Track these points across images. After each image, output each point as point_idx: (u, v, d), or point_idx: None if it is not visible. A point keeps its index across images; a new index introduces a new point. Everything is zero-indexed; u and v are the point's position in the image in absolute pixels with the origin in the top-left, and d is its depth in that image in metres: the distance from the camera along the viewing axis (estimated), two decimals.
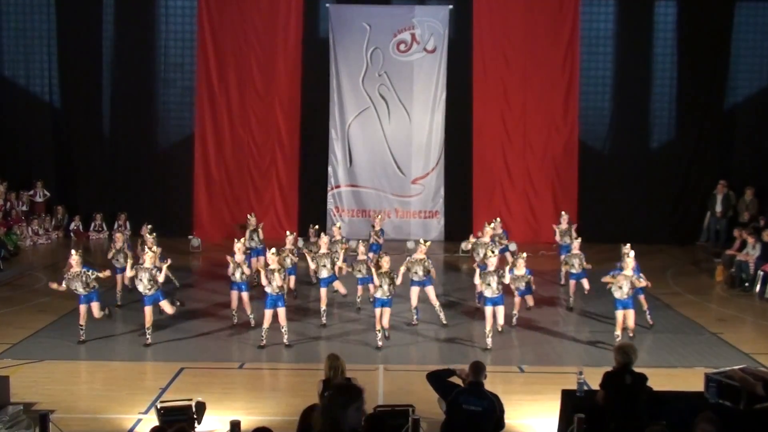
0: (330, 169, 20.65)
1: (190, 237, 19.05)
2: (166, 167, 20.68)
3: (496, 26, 20.01)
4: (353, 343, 11.79)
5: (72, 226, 20.38)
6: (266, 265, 11.77)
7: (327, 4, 20.26)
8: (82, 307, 11.54)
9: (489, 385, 7.57)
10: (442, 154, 20.49)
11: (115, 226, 20.21)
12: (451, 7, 20.25)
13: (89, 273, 11.50)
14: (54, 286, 11.61)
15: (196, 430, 7.84)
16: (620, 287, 11.43)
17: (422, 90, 20.35)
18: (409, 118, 20.46)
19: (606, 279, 11.73)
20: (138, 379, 10.18)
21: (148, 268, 11.52)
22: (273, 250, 11.84)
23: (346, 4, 20.38)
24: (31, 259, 18.21)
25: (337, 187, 20.69)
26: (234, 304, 12.44)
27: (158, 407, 7.99)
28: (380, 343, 11.49)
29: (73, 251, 11.64)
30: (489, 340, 11.46)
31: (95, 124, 20.76)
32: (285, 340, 11.52)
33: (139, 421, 8.77)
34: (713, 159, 20.44)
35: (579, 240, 13.95)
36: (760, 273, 15.23)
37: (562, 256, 14.21)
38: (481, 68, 20.10)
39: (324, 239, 12.89)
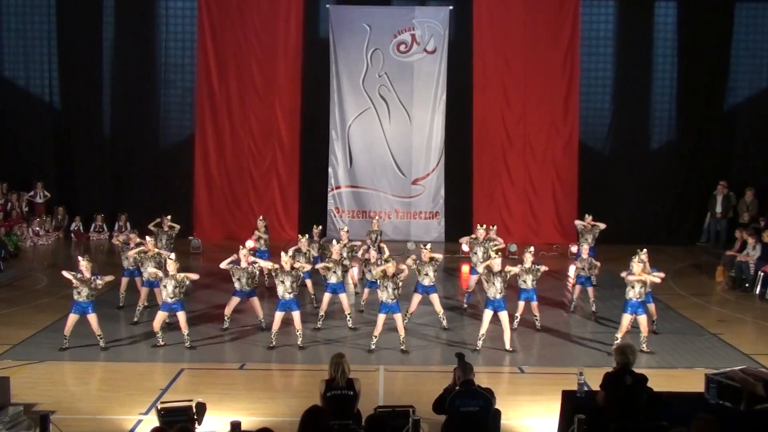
0: (330, 169, 20.65)
1: (190, 238, 19.03)
2: (167, 168, 20.68)
3: (496, 27, 20.02)
4: (354, 344, 11.78)
5: (72, 226, 20.38)
6: (280, 267, 11.57)
7: (327, 5, 20.26)
8: (73, 317, 11.14)
9: (491, 385, 7.60)
10: (442, 154, 20.49)
11: (116, 227, 20.25)
12: (451, 7, 20.25)
13: (97, 280, 11.24)
14: (66, 274, 11.27)
15: (196, 430, 7.84)
16: (632, 287, 11.23)
17: (422, 91, 20.35)
18: (410, 119, 20.46)
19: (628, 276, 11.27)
20: (138, 380, 10.16)
21: (173, 275, 11.29)
22: (290, 251, 11.80)
23: (346, 5, 20.38)
24: (32, 259, 18.20)
25: (338, 187, 20.69)
26: (229, 309, 12.28)
27: (158, 408, 7.98)
28: (373, 347, 11.40)
29: (81, 259, 11.30)
30: (480, 343, 11.44)
31: (95, 124, 20.77)
32: (299, 342, 11.51)
33: (139, 421, 8.76)
34: (713, 159, 20.44)
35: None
36: (761, 274, 15.23)
37: (577, 264, 13.69)
38: (481, 69, 20.10)
39: (336, 246, 12.79)
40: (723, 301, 15.01)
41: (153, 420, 8.24)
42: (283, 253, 11.78)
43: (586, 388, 8.01)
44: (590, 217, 15.73)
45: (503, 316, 11.42)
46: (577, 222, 16.14)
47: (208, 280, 15.84)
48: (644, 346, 11.35)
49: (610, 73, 20.73)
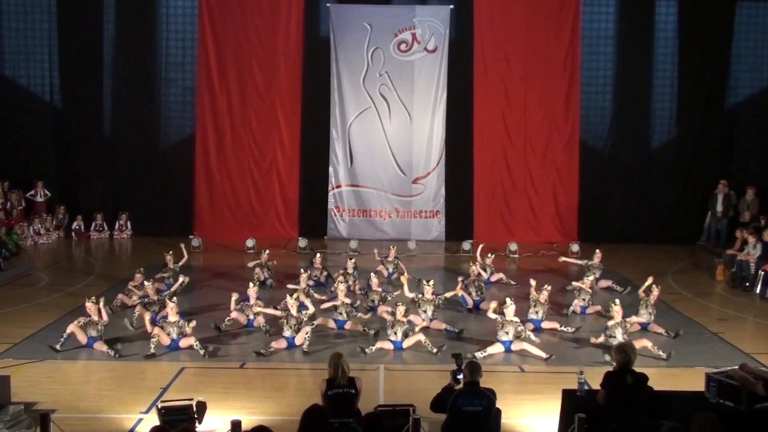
0: (331, 168, 20.64)
1: (190, 237, 19.02)
2: (167, 167, 20.68)
3: (497, 26, 20.02)
4: (354, 342, 11.76)
5: (73, 225, 20.38)
6: (287, 312, 11.59)
7: (328, 4, 20.25)
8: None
9: (492, 385, 7.60)
10: (443, 153, 20.48)
11: (116, 225, 20.28)
12: (452, 6, 20.25)
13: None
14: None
15: (197, 429, 7.85)
16: (615, 337, 11.26)
17: (423, 90, 20.34)
18: (410, 118, 20.45)
19: (597, 340, 11.56)
20: (139, 379, 10.16)
21: (173, 321, 11.28)
22: (294, 295, 11.85)
23: (347, 3, 20.37)
24: (32, 258, 18.20)
25: (338, 186, 20.68)
26: (233, 306, 12.29)
27: (159, 407, 8.00)
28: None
29: (105, 312, 11.37)
30: (478, 354, 11.31)
31: (96, 124, 20.76)
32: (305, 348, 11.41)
33: (140, 420, 8.76)
34: (714, 159, 20.45)
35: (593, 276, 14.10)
36: (761, 273, 15.22)
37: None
38: (482, 68, 20.10)
39: (341, 287, 12.68)
40: (723, 300, 15.00)
41: (153, 419, 8.25)
42: (288, 298, 11.77)
43: (586, 387, 8.01)
44: (599, 254, 15.12)
45: (517, 345, 11.25)
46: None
47: (208, 279, 15.89)
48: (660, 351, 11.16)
49: (610, 72, 20.73)
